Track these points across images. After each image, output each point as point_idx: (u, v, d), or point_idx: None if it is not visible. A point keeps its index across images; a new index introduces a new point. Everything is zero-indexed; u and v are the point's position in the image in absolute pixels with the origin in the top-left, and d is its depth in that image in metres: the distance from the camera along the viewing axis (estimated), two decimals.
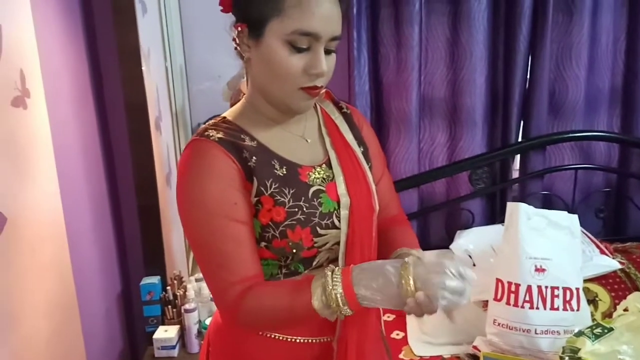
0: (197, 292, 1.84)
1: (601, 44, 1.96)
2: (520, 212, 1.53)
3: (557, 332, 1.46)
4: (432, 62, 1.94)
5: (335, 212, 0.96)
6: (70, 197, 1.43)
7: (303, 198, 0.94)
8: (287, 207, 0.92)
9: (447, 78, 1.95)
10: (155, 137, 2.20)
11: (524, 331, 1.46)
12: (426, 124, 2.00)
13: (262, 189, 0.92)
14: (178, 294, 1.83)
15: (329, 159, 1.00)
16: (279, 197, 0.92)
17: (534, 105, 1.96)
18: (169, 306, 1.81)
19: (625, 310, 1.42)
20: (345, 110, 1.08)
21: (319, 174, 0.98)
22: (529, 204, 1.58)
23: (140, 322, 1.86)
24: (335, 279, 0.85)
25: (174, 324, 1.80)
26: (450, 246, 1.85)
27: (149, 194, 1.79)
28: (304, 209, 0.93)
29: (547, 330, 1.46)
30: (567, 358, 1.30)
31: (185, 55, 3.02)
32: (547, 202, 2.06)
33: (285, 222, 0.92)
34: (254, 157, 0.92)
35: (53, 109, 1.33)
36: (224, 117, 0.98)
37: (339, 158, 1.00)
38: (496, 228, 1.81)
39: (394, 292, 0.83)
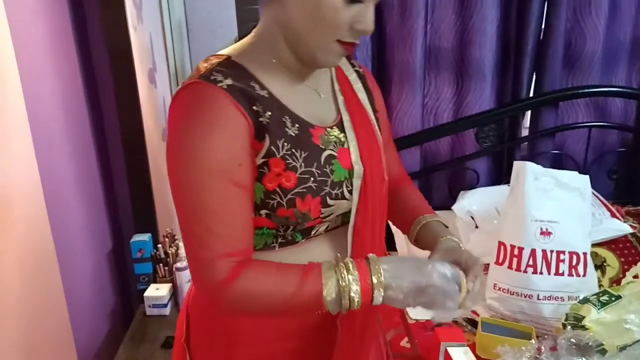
0: None
1: None
2: (527, 172, 1.45)
3: (561, 298, 1.40)
4: (439, 8, 1.80)
5: (346, 181, 0.86)
6: (46, 148, 1.35)
7: (315, 164, 0.83)
8: (298, 172, 0.81)
9: (456, 27, 1.81)
10: (149, 89, 2.12)
11: (525, 296, 1.41)
12: (431, 77, 1.88)
13: (274, 149, 0.80)
14: (170, 251, 1.79)
15: (340, 121, 0.89)
16: (290, 161, 0.81)
17: (548, 57, 1.83)
18: (161, 264, 1.77)
19: (635, 277, 1.35)
20: (358, 69, 0.99)
21: (330, 136, 0.87)
22: (538, 164, 1.49)
23: (132, 279, 1.82)
24: (352, 277, 0.78)
25: (166, 282, 1.77)
26: (453, 207, 1.77)
27: (137, 148, 1.71)
28: (316, 176, 0.83)
29: (550, 296, 1.40)
30: (569, 326, 1.24)
31: (185, 10, 2.92)
32: (558, 162, 1.96)
33: (296, 190, 0.81)
34: (267, 112, 0.80)
35: (23, 57, 1.23)
36: (228, 57, 0.83)
37: (353, 121, 0.90)
38: (502, 189, 1.73)
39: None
